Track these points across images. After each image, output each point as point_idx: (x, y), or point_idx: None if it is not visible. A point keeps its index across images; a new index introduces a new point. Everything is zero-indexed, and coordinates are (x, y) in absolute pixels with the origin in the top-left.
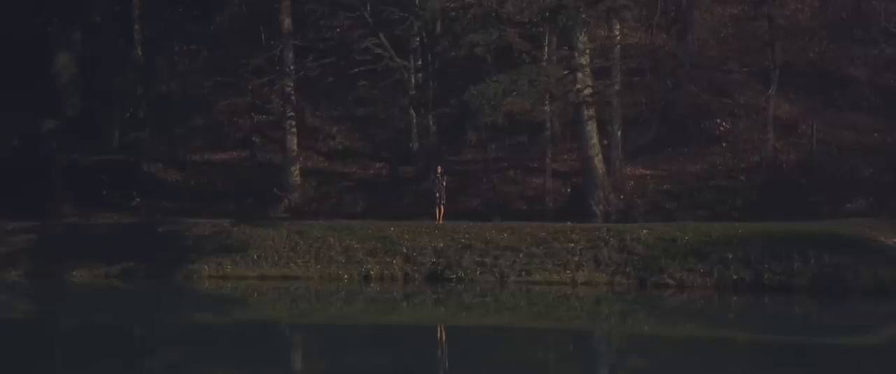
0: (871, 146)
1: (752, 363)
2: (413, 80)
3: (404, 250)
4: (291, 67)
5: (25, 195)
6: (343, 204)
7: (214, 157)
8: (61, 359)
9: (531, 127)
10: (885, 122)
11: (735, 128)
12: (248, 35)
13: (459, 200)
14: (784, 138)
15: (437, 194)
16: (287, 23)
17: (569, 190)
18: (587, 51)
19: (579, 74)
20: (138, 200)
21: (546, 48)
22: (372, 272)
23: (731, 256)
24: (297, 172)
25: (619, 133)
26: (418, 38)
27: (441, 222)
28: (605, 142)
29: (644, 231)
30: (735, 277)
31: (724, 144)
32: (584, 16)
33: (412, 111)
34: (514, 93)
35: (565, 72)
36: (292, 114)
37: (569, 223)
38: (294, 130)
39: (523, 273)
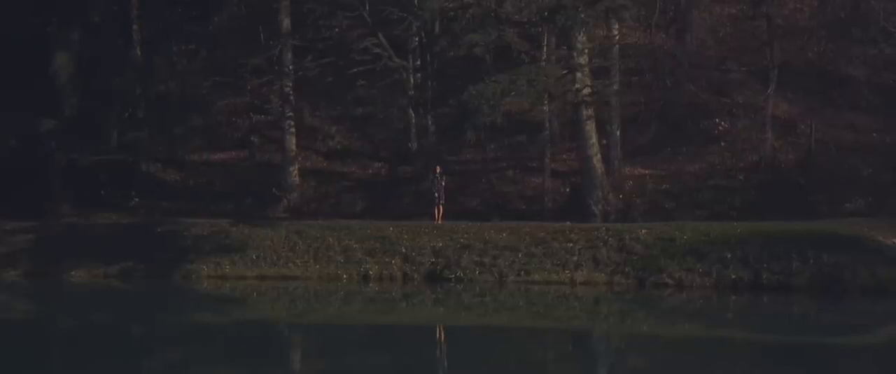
0: (870, 146)
1: (751, 363)
2: (412, 79)
3: (403, 250)
4: (290, 67)
5: (24, 195)
6: (342, 204)
7: (213, 157)
8: (60, 359)
9: (530, 127)
10: (884, 121)
11: (734, 127)
12: (247, 35)
13: (458, 199)
14: (783, 138)
15: (436, 194)
16: (286, 23)
17: (568, 190)
18: (586, 51)
19: (578, 74)
20: (137, 200)
21: (545, 48)
22: (371, 272)
23: (729, 255)
24: (295, 172)
25: (618, 133)
26: (417, 38)
27: (440, 221)
28: (604, 142)
29: (643, 231)
30: (734, 276)
31: (722, 144)
32: (582, 16)
33: (411, 111)
34: (513, 93)
35: (564, 72)
36: (291, 114)
37: (568, 223)
38: (293, 129)
39: (522, 273)
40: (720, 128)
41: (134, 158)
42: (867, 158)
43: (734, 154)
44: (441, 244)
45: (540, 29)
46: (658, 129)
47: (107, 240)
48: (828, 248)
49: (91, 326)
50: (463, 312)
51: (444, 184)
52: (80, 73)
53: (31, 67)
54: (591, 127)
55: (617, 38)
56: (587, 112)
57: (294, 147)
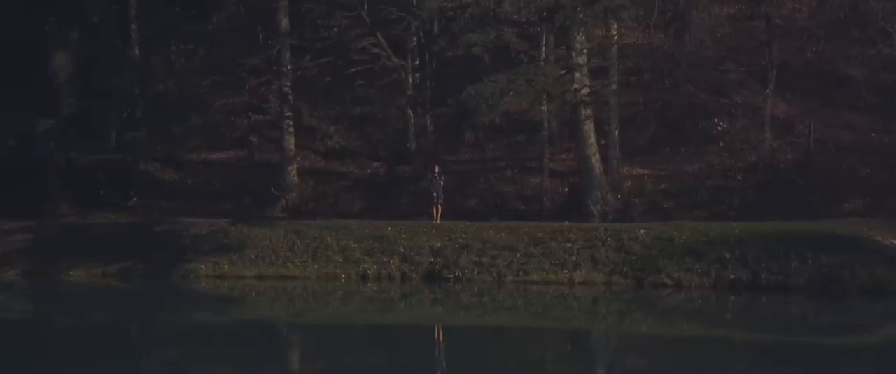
0: (869, 146)
1: (750, 363)
2: (411, 79)
3: (402, 250)
4: (289, 67)
5: (22, 195)
6: (340, 204)
7: (212, 156)
8: (59, 359)
9: (529, 127)
10: (883, 121)
11: (732, 127)
12: (246, 35)
13: (457, 199)
14: (781, 138)
15: (435, 194)
16: (284, 22)
17: (566, 190)
18: (585, 50)
19: (577, 74)
20: (135, 199)
21: (544, 48)
22: (369, 272)
23: (728, 255)
24: (294, 171)
25: (617, 133)
26: (416, 38)
27: (439, 221)
28: (603, 142)
29: (642, 231)
30: (732, 276)
31: (721, 144)
32: (581, 15)
33: (410, 111)
34: (512, 92)
35: (563, 71)
36: (290, 113)
37: (566, 223)
38: (291, 129)
39: (521, 273)
40: (719, 128)
41: (132, 157)
42: (866, 159)
43: (733, 154)
44: (440, 244)
45: (539, 29)
46: (657, 129)
47: (105, 240)
48: (826, 248)
49: (89, 325)
50: (461, 312)
51: (442, 184)
52: (79, 72)
53: (29, 67)
54: (589, 127)
55: (615, 38)
56: (586, 112)
57: (293, 147)
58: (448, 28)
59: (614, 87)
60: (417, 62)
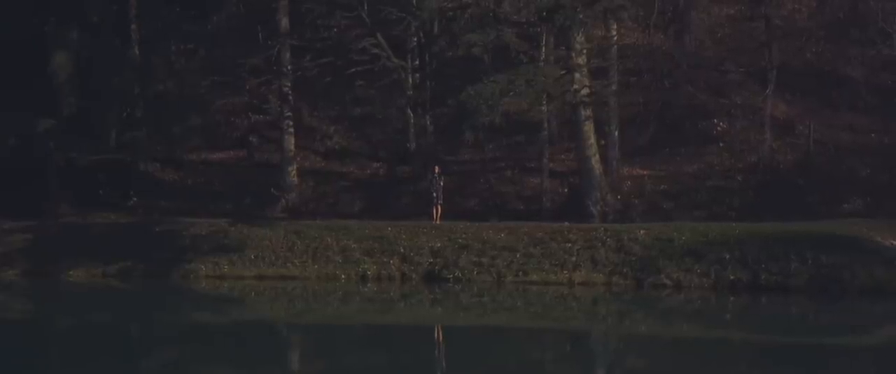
0: (868, 146)
1: (750, 364)
2: (410, 80)
3: (401, 250)
4: (289, 67)
5: (22, 195)
6: (340, 204)
7: (212, 156)
8: (59, 359)
9: (528, 127)
10: (882, 122)
11: (732, 128)
12: (246, 35)
13: (457, 200)
14: (781, 139)
15: (435, 194)
16: (284, 22)
17: (566, 190)
18: (584, 51)
19: (577, 75)
20: (135, 199)
21: (543, 48)
22: (369, 272)
23: (728, 256)
24: (294, 171)
25: (617, 133)
26: (416, 38)
27: (438, 222)
28: (603, 142)
29: (641, 232)
30: (732, 277)
31: (721, 145)
32: (581, 16)
33: (409, 111)
34: (512, 93)
35: (563, 72)
36: (290, 114)
37: (566, 223)
38: (291, 129)
39: (520, 273)
40: (718, 128)
41: (132, 157)
42: (865, 159)
43: (732, 155)
44: (439, 244)
45: (538, 29)
46: (656, 129)
47: (105, 240)
48: (826, 248)
49: (89, 326)
50: (461, 312)
51: (442, 184)
52: (79, 72)
53: (29, 67)
54: (589, 127)
55: (615, 38)
56: (585, 112)
57: (292, 147)
58: (448, 28)
59: (614, 87)
60: (417, 63)
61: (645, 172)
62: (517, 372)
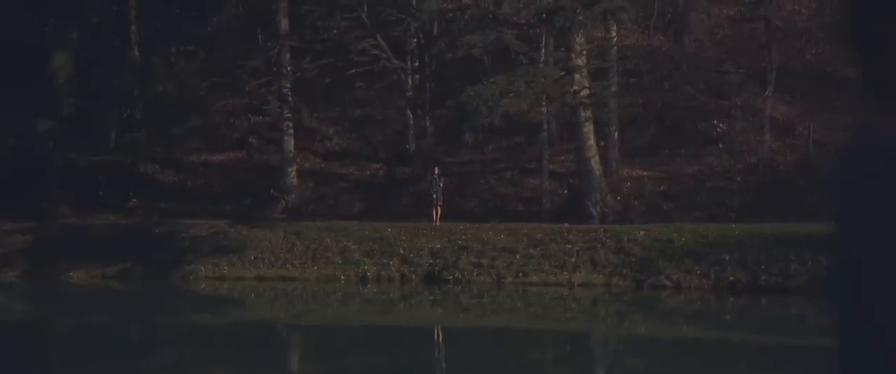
0: None
1: (750, 364)
2: (410, 81)
3: (401, 252)
4: (288, 69)
5: (22, 196)
6: (340, 205)
7: (211, 158)
8: (58, 360)
9: (528, 128)
10: None
11: (732, 129)
12: (246, 36)
13: (456, 201)
14: (781, 140)
15: (435, 196)
16: (284, 24)
17: (566, 191)
18: (584, 52)
19: (576, 76)
20: (135, 201)
21: (543, 49)
22: (369, 273)
23: (727, 257)
24: (294, 173)
25: (617, 134)
26: (415, 40)
27: (438, 223)
28: (602, 143)
29: (641, 233)
30: (732, 278)
31: (720, 146)
32: (581, 17)
33: (409, 112)
34: (511, 94)
35: (562, 73)
36: (289, 115)
37: (566, 225)
38: (291, 131)
39: (520, 275)
40: (718, 130)
41: (132, 158)
42: None
43: (732, 156)
44: (439, 246)
45: (538, 30)
46: (656, 130)
47: (105, 241)
48: (826, 250)
49: (88, 327)
50: (461, 313)
51: (442, 185)
52: (78, 73)
53: (28, 67)
54: (589, 129)
55: (615, 39)
56: (585, 114)
57: (292, 148)
58: (448, 30)
59: (614, 88)
60: (417, 64)
61: (645, 174)
62: (517, 373)
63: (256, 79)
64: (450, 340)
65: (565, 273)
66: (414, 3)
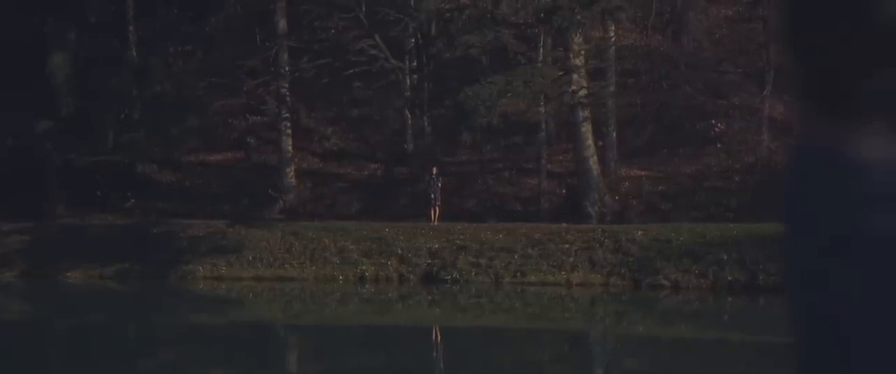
0: None
1: (748, 364)
2: (408, 81)
3: (399, 252)
4: (286, 69)
5: (20, 196)
6: (338, 205)
7: (209, 158)
8: (56, 360)
9: (526, 128)
10: None
11: (730, 129)
12: (243, 36)
13: (455, 201)
14: (779, 139)
15: (433, 196)
16: (282, 24)
17: (564, 191)
18: (582, 52)
19: (574, 76)
20: (133, 201)
21: (541, 49)
22: (367, 273)
23: (726, 257)
24: (292, 173)
25: (615, 134)
26: (413, 40)
27: (436, 223)
28: (601, 143)
29: (639, 232)
30: (730, 278)
31: (719, 146)
32: (579, 17)
33: (407, 112)
34: (510, 94)
35: (561, 73)
36: (287, 115)
37: (564, 224)
38: (289, 131)
39: (518, 274)
40: (716, 129)
41: (130, 158)
42: None
43: (730, 156)
44: (437, 246)
45: (536, 30)
46: (654, 130)
47: (103, 241)
48: None
49: (86, 327)
50: (459, 313)
51: (440, 185)
52: (77, 73)
53: (27, 67)
54: (587, 128)
55: (613, 39)
56: (583, 113)
57: (290, 148)
58: (446, 29)
59: (612, 88)
60: (415, 64)
61: (643, 173)
62: (515, 373)
63: (254, 79)
64: (448, 340)
65: (563, 273)
66: (412, 2)
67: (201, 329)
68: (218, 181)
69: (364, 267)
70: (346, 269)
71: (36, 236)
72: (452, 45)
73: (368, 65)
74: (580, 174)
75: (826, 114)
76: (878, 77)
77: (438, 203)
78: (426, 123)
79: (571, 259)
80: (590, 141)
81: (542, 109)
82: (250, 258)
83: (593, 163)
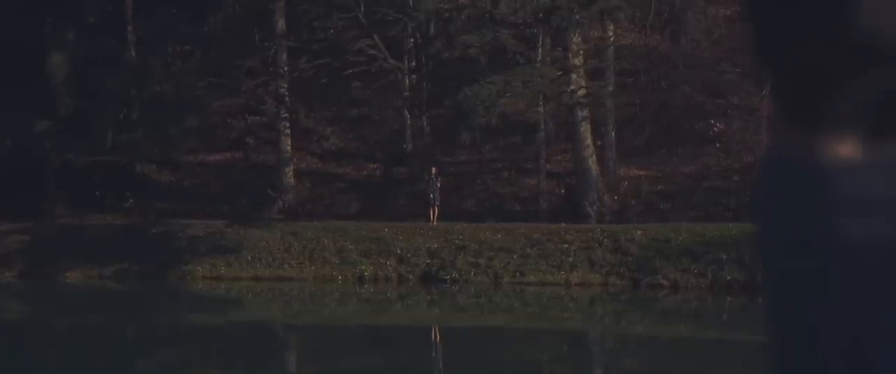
0: None
1: (747, 364)
2: (407, 81)
3: (398, 251)
4: (285, 69)
5: (18, 196)
6: (337, 205)
7: (208, 158)
8: (54, 360)
9: (525, 128)
10: None
11: (729, 129)
12: (242, 36)
13: (454, 201)
14: None
15: (432, 196)
16: (281, 24)
17: (563, 191)
18: (581, 52)
19: (573, 75)
20: (132, 201)
21: (540, 49)
22: (366, 273)
23: (724, 257)
24: (291, 173)
25: (613, 134)
26: (412, 40)
27: (435, 223)
28: (599, 143)
29: (638, 232)
30: (729, 277)
31: (718, 145)
32: (577, 17)
33: (406, 112)
34: (508, 94)
35: (559, 73)
36: (286, 115)
37: (563, 224)
38: (288, 131)
39: (517, 274)
40: (715, 129)
41: (128, 159)
42: None
43: (729, 155)
44: (436, 246)
45: (535, 30)
46: (653, 130)
47: (101, 241)
48: None
49: (85, 327)
50: (458, 313)
51: (439, 185)
52: (75, 73)
53: (25, 67)
54: (586, 128)
55: (612, 39)
56: (582, 113)
57: (289, 148)
58: (444, 29)
59: (611, 88)
60: (414, 64)
61: (642, 173)
62: (514, 373)
63: (253, 79)
64: (447, 340)
65: (562, 273)
66: (411, 2)
67: (200, 329)
68: (217, 181)
69: (363, 267)
70: (345, 269)
71: (34, 236)
72: (451, 45)
73: (367, 65)
74: (579, 174)
75: (797, 120)
76: (848, 86)
77: (437, 203)
78: (425, 123)
79: (570, 259)
80: (589, 141)
81: (540, 109)
82: (249, 258)
83: (592, 163)
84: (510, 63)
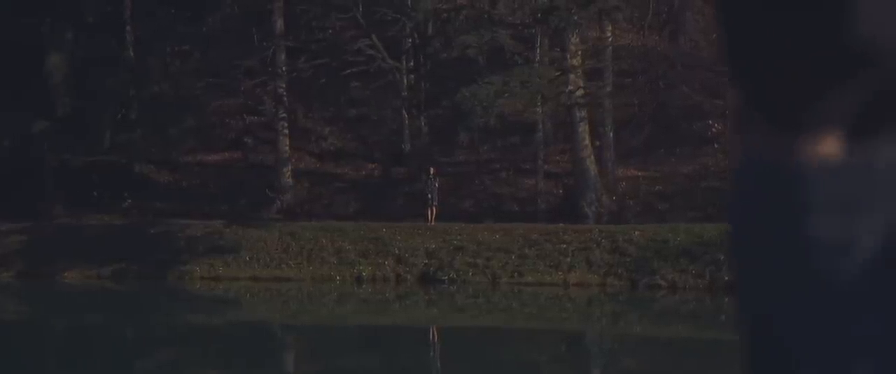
0: None
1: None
2: (405, 81)
3: (396, 252)
4: (284, 69)
5: (17, 196)
6: (335, 205)
7: (207, 158)
8: (53, 360)
9: (523, 128)
10: None
11: (727, 129)
12: (241, 36)
13: (452, 201)
14: None
15: (430, 196)
16: (279, 24)
17: (561, 191)
18: (579, 52)
19: (571, 76)
20: (130, 201)
21: (538, 50)
22: (364, 274)
23: (722, 257)
24: (289, 173)
25: (612, 134)
26: (411, 40)
27: (433, 223)
28: (598, 143)
29: (636, 233)
30: (727, 278)
31: (716, 146)
32: (576, 17)
33: (405, 112)
34: (507, 94)
35: (558, 73)
36: (285, 115)
37: (561, 225)
38: (286, 131)
39: (515, 275)
40: (714, 129)
41: (127, 159)
42: None
43: (728, 156)
44: (434, 246)
45: (533, 30)
46: (651, 130)
47: (100, 241)
48: None
49: (83, 327)
50: (456, 313)
51: (437, 185)
52: (74, 73)
53: (24, 67)
54: (584, 129)
55: (610, 39)
56: (581, 114)
57: (287, 148)
58: (443, 30)
59: (609, 88)
60: (412, 64)
61: (640, 174)
62: (512, 373)
63: (252, 79)
64: (445, 340)
65: (560, 273)
66: (409, 3)
67: (198, 329)
68: (215, 181)
69: (361, 267)
70: (344, 269)
71: (33, 236)
72: (450, 46)
73: (366, 65)
74: (577, 174)
75: (772, 122)
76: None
77: (435, 203)
78: (423, 124)
79: (568, 259)
80: (587, 141)
81: (539, 110)
82: (247, 258)
83: (590, 163)
84: (508, 63)
